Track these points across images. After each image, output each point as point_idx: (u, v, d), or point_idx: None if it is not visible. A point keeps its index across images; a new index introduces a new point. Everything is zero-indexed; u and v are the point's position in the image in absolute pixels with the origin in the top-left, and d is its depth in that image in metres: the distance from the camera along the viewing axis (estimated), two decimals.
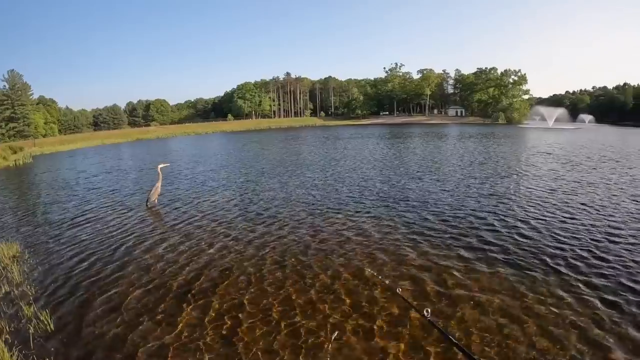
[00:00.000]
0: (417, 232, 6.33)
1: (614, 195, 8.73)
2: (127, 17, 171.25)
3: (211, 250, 5.75)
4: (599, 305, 3.86)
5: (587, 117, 72.48)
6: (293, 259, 5.27)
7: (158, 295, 4.37)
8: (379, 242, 5.85)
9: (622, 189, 9.42)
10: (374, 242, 5.88)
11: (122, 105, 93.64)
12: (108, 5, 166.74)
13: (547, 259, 5.03)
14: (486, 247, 5.56)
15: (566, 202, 8.07)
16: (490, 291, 4.20)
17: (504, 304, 3.92)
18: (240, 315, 3.85)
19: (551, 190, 9.41)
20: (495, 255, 5.23)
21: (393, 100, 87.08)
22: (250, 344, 3.38)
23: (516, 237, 5.95)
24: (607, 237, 5.83)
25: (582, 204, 7.91)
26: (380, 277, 4.55)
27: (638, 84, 79.38)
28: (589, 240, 5.67)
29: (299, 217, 7.43)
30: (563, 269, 4.70)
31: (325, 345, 3.30)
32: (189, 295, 4.32)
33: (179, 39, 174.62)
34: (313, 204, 8.51)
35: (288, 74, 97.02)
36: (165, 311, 3.99)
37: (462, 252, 5.37)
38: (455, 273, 4.69)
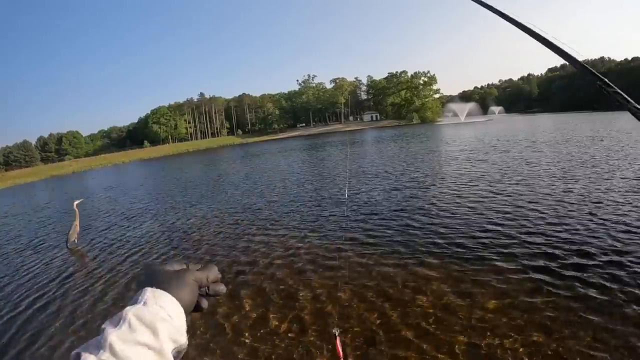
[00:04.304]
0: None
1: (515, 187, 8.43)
2: (28, 45, 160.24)
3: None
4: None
5: (497, 109, 73.49)
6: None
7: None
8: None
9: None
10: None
11: (33, 140, 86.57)
12: (5, 36, 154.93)
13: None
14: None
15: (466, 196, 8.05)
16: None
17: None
18: None
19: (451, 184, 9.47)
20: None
21: (309, 111, 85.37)
22: None
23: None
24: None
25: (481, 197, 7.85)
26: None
27: (541, 74, 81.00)
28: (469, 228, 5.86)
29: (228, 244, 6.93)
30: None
31: None
32: None
33: (87, 64, 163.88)
34: (239, 230, 7.89)
35: (202, 94, 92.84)
36: None
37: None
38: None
